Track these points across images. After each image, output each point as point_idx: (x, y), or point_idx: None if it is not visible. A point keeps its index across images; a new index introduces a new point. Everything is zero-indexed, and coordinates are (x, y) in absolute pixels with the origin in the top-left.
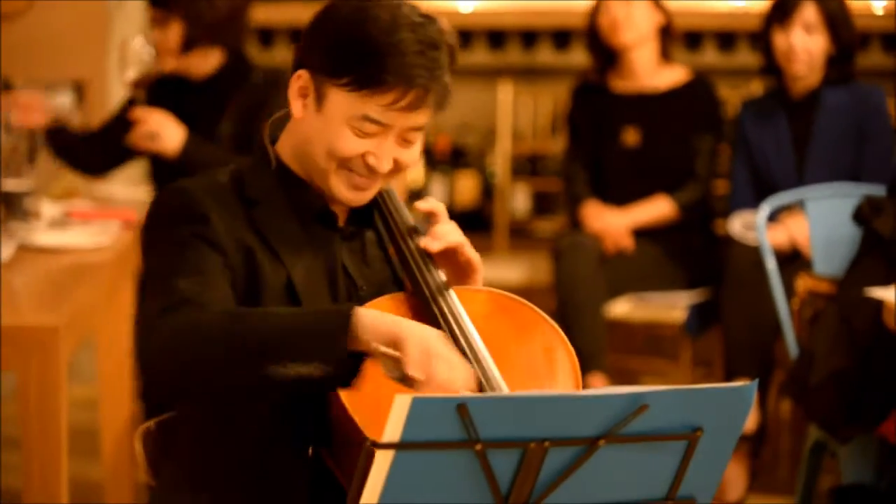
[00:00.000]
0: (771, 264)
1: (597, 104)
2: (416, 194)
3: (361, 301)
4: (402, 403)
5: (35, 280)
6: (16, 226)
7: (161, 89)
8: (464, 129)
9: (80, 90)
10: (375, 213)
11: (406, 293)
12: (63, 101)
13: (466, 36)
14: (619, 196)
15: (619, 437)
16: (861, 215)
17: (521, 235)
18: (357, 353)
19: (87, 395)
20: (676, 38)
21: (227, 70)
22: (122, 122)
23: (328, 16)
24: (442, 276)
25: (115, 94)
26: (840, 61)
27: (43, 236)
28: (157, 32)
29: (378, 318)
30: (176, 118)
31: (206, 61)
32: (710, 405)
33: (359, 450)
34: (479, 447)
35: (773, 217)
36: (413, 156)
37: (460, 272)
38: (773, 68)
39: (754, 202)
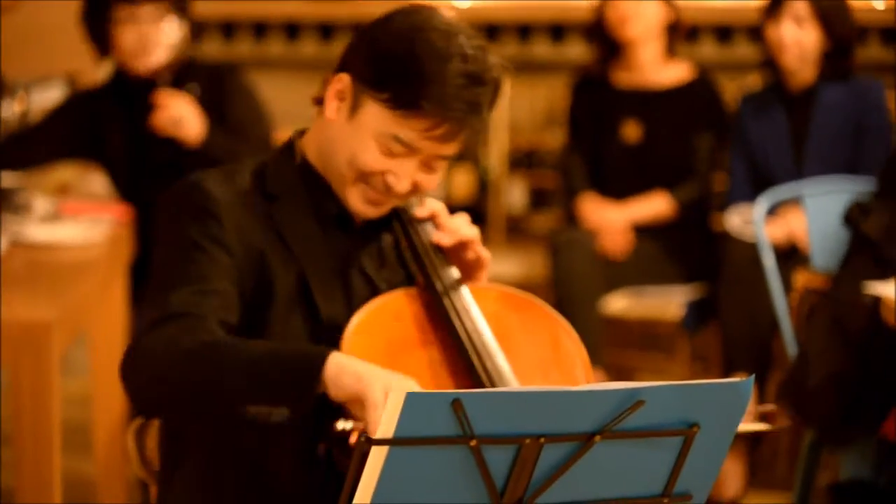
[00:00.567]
0: (769, 259)
1: (598, 98)
2: None
3: None
4: (396, 399)
5: (27, 275)
6: (8, 221)
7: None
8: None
9: (72, 83)
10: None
11: (418, 288)
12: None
13: None
14: (618, 192)
15: (615, 433)
16: (850, 217)
17: (516, 230)
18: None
19: (79, 390)
20: (683, 32)
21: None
22: (65, 116)
23: (384, 25)
24: (455, 272)
25: None
26: (836, 56)
27: (35, 231)
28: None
29: (341, 371)
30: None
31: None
32: (707, 401)
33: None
34: (473, 443)
35: (772, 212)
36: (433, 182)
37: (468, 267)
38: (771, 62)
39: (752, 197)
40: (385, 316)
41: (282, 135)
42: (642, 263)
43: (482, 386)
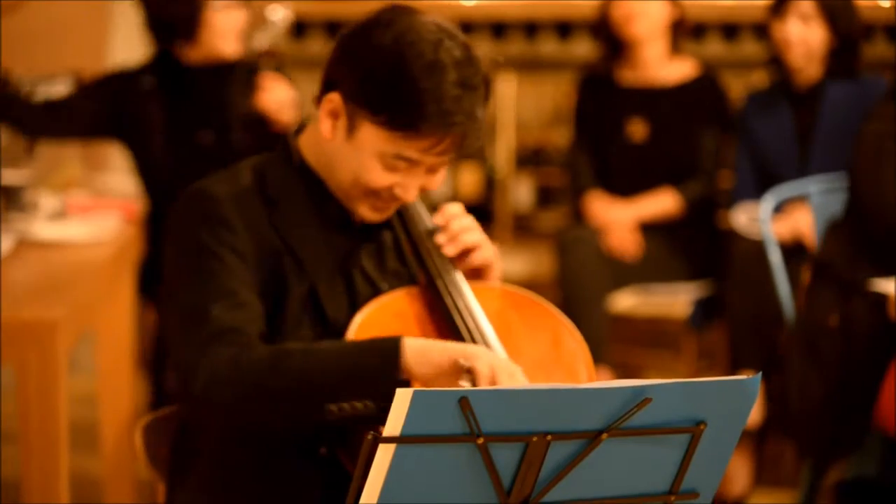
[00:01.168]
0: (775, 256)
1: (603, 96)
2: None
3: None
4: (403, 397)
5: (34, 274)
6: (15, 218)
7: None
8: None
9: (78, 81)
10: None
11: (420, 287)
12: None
13: (468, 28)
14: (624, 190)
15: (622, 431)
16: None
17: (523, 228)
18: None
19: (86, 388)
20: (687, 30)
21: None
22: (102, 91)
23: (367, 41)
24: (457, 271)
25: None
26: (842, 53)
27: (42, 230)
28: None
29: (427, 349)
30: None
31: None
32: (714, 398)
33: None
34: (481, 441)
35: (778, 209)
36: (438, 181)
37: (474, 270)
38: (778, 60)
39: (758, 193)
40: (387, 314)
41: None
42: (649, 261)
43: None
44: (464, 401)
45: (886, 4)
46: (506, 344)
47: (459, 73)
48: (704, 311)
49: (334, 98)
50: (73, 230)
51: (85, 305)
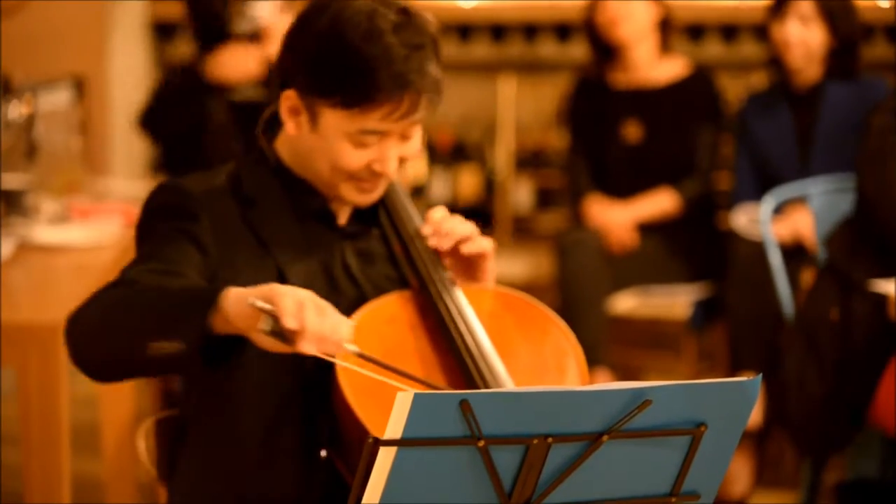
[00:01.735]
0: (775, 258)
1: (597, 99)
2: (418, 189)
3: (366, 300)
4: (404, 400)
5: (35, 277)
6: (16, 222)
7: None
8: (465, 124)
9: (79, 86)
10: (380, 210)
11: (412, 291)
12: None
13: (467, 30)
14: (622, 191)
15: (623, 433)
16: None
17: (523, 230)
18: (228, 338)
19: (87, 391)
20: (677, 30)
21: None
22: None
23: (304, 30)
24: (449, 274)
25: (116, 88)
26: (842, 54)
27: (43, 234)
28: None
29: (245, 290)
30: None
31: None
32: (714, 400)
33: (361, 443)
34: (481, 443)
35: (778, 211)
36: (415, 146)
37: (471, 263)
38: (777, 61)
39: (758, 195)
40: (380, 319)
41: None
42: (649, 263)
43: (476, 388)
44: (465, 403)
45: (886, 5)
46: (499, 346)
47: (399, 36)
48: (704, 312)
49: (290, 95)
50: (75, 234)
51: None
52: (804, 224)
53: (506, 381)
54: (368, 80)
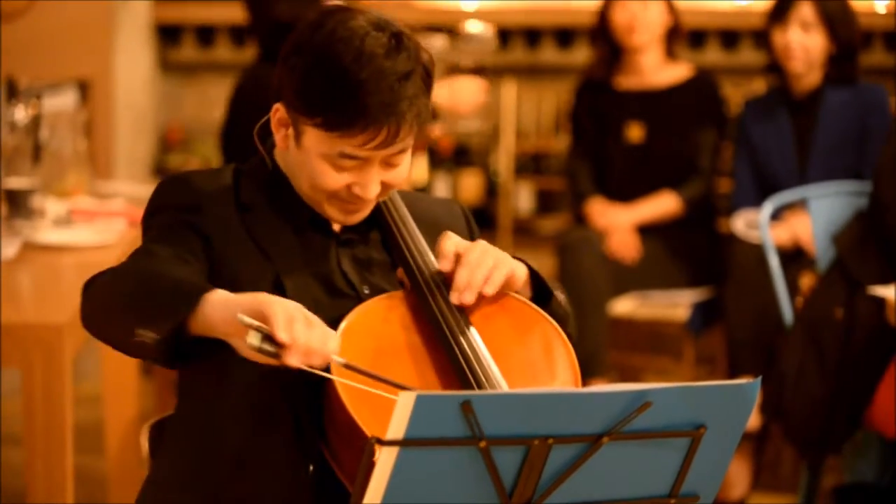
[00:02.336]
0: (774, 262)
1: (600, 101)
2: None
3: None
4: (406, 400)
5: (40, 278)
6: (20, 224)
7: None
8: (467, 128)
9: (84, 88)
10: (383, 210)
11: (405, 291)
12: (66, 99)
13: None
14: (624, 192)
15: (623, 435)
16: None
17: (524, 234)
18: (200, 339)
19: (91, 390)
20: (683, 36)
21: None
22: None
23: (298, 46)
24: (441, 274)
25: (120, 91)
26: (841, 60)
27: (47, 234)
28: None
29: (232, 297)
30: None
31: None
32: (714, 402)
33: (359, 447)
34: (483, 444)
35: (777, 215)
36: (401, 175)
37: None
38: (776, 67)
39: (757, 200)
40: (373, 320)
41: None
42: (649, 266)
43: (469, 388)
44: (466, 404)
45: (882, 11)
46: (492, 347)
47: (388, 63)
48: (704, 316)
49: (279, 108)
50: (79, 235)
51: None
52: (803, 228)
53: (498, 381)
54: (351, 105)
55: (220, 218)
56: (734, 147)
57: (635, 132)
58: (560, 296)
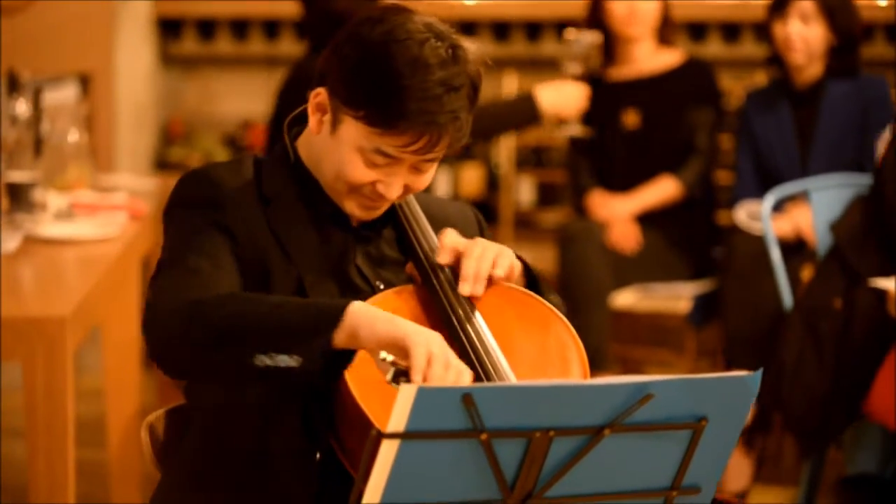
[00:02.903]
0: (776, 254)
1: (595, 92)
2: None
3: None
4: (407, 393)
5: (41, 271)
6: (22, 217)
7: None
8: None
9: (85, 82)
10: (397, 208)
11: (415, 285)
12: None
13: (471, 27)
14: (624, 179)
15: (624, 427)
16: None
17: (526, 226)
18: (344, 350)
19: (93, 384)
20: (674, 23)
21: None
22: None
23: (355, 38)
24: (450, 271)
25: (121, 85)
26: (843, 52)
27: (49, 228)
28: None
29: (376, 321)
30: None
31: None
32: (715, 395)
33: (366, 439)
34: (484, 437)
35: (778, 207)
36: (425, 182)
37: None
38: (777, 59)
39: (759, 192)
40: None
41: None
42: (650, 259)
43: (479, 380)
44: (467, 397)
45: (883, 3)
46: (500, 340)
47: (439, 74)
48: (705, 308)
49: (321, 92)
50: (80, 228)
51: (92, 303)
52: (804, 220)
53: (507, 374)
54: (397, 106)
55: (243, 213)
56: (736, 139)
57: (631, 119)
58: (554, 299)
